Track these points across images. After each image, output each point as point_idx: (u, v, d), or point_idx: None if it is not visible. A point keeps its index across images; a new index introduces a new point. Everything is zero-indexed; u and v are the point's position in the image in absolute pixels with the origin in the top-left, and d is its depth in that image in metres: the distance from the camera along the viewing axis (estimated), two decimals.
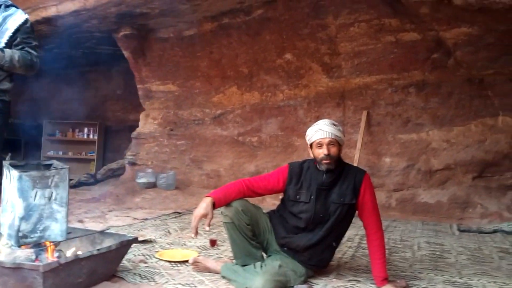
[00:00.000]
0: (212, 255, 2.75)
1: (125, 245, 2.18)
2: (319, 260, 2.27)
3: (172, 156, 5.91)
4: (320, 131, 2.21)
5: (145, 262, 2.51)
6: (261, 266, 2.11)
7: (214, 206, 2.14)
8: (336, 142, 2.21)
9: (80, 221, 3.74)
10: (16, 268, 1.72)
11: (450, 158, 4.74)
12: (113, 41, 5.93)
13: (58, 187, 2.06)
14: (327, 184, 2.23)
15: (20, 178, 1.94)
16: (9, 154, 6.54)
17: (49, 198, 2.04)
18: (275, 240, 2.30)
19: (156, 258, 2.61)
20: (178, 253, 2.73)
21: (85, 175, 6.94)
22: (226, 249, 2.90)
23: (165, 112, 6.04)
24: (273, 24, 5.35)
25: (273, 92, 5.46)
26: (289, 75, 5.37)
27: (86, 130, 7.71)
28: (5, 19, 2.51)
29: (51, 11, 4.90)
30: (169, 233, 3.40)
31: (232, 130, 5.68)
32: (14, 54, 2.48)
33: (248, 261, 2.22)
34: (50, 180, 2.04)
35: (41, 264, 1.72)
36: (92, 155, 7.60)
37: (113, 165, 6.98)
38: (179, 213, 4.33)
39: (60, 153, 7.67)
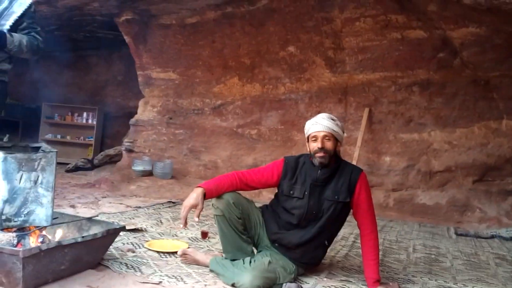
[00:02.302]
0: (202, 248, 2.70)
1: (111, 234, 2.12)
2: (310, 258, 2.22)
3: (170, 145, 5.84)
4: (317, 124, 2.16)
5: (133, 252, 2.45)
6: (250, 262, 2.05)
7: (205, 197, 2.08)
8: (332, 137, 2.14)
9: (72, 206, 3.68)
10: None
11: (451, 160, 4.67)
12: (115, 26, 5.84)
13: (44, 171, 2.00)
14: (321, 180, 2.16)
15: (5, 159, 1.88)
16: (7, 135, 6.50)
17: (35, 182, 1.98)
18: (266, 236, 2.25)
19: (145, 248, 2.55)
20: (168, 244, 2.67)
21: (82, 160, 6.88)
22: (217, 242, 2.83)
23: (165, 100, 5.96)
24: (278, 15, 5.26)
25: (275, 84, 5.38)
26: (292, 68, 5.28)
27: (85, 114, 7.63)
28: (11, 2, 2.47)
29: None
30: (161, 222, 3.34)
31: (232, 121, 5.61)
32: (22, 39, 2.47)
33: (238, 256, 2.16)
34: (36, 163, 1.97)
35: (21, 249, 1.66)
36: (90, 140, 7.53)
37: (111, 151, 6.91)
38: (174, 202, 4.27)
39: (58, 136, 7.59)
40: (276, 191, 2.31)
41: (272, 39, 5.31)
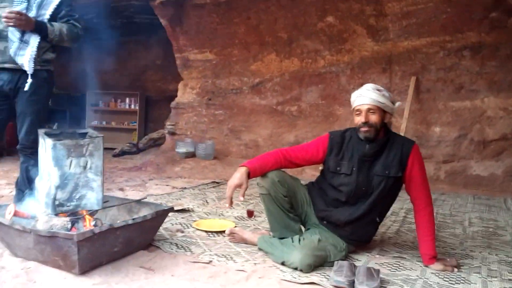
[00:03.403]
0: (249, 226, 2.69)
1: (161, 215, 2.14)
2: (361, 235, 2.14)
3: (211, 126, 5.87)
4: (361, 97, 2.03)
5: (182, 232, 2.48)
6: (299, 240, 2.01)
7: (249, 176, 2.04)
8: (378, 109, 2.01)
9: (121, 189, 3.79)
10: (52, 237, 1.72)
11: (507, 128, 4.37)
12: (151, 10, 5.86)
13: (93, 156, 2.04)
14: (370, 155, 2.06)
15: (54, 146, 1.93)
16: (56, 124, 6.79)
17: (84, 167, 2.02)
18: (314, 213, 2.19)
19: (193, 227, 2.58)
20: (215, 223, 2.69)
21: (128, 144, 7.09)
22: (263, 220, 2.83)
23: (203, 81, 5.96)
24: None
25: (314, 58, 5.22)
26: (331, 40, 5.10)
27: (127, 100, 7.82)
28: None
29: None
30: (207, 202, 3.37)
31: (271, 99, 5.53)
32: (62, 27, 2.51)
33: (285, 234, 2.13)
34: (84, 148, 2.01)
35: (75, 233, 1.70)
36: (134, 125, 7.73)
37: (154, 135, 7.07)
38: (217, 182, 4.30)
39: (104, 123, 7.85)
40: (321, 167, 2.24)
41: (309, 11, 5.13)
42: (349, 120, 4.98)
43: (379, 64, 4.88)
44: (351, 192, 2.07)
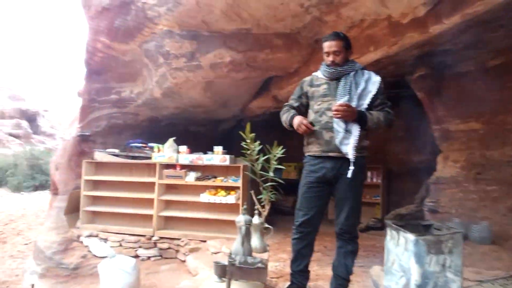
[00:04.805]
0: None
1: None
2: None
3: (482, 203, 5.13)
4: None
5: None
6: None
7: None
8: None
9: None
10: None
11: None
12: (398, 84, 5.83)
13: (452, 253, 1.85)
14: None
15: (416, 242, 1.82)
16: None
17: (443, 265, 1.84)
18: None
19: None
20: None
21: (373, 219, 6.95)
22: None
23: (468, 153, 5.37)
24: None
25: None
26: None
27: (369, 173, 7.77)
28: (366, 82, 2.68)
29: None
30: None
31: None
32: (379, 115, 2.64)
33: None
34: (443, 245, 1.84)
35: None
36: (377, 199, 7.54)
37: (402, 210, 6.68)
38: None
39: None
40: None
41: None
42: None
43: None
44: None
